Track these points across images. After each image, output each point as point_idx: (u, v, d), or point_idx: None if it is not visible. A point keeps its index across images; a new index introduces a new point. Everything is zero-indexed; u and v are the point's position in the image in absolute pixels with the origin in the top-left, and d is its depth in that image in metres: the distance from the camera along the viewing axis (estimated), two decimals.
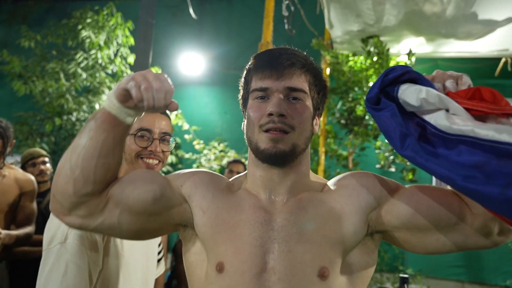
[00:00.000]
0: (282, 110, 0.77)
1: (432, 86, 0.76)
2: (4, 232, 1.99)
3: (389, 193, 0.82)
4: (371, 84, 4.28)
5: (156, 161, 1.21)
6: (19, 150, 4.42)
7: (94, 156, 0.75)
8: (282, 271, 0.73)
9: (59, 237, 1.07)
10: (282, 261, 0.74)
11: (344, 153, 4.49)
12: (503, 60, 4.75)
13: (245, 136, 0.86)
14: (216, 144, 5.44)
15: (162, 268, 1.59)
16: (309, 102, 0.81)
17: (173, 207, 0.82)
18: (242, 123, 0.90)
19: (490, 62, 4.97)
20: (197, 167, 5.30)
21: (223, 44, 5.92)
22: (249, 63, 0.91)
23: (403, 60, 4.35)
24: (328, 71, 4.80)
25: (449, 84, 0.74)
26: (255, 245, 0.76)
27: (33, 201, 2.26)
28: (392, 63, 4.36)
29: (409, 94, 0.75)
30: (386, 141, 3.75)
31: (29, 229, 2.20)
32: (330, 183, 0.87)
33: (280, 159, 0.79)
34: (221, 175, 0.91)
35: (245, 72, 0.91)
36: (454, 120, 0.70)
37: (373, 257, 0.81)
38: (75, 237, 1.07)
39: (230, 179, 0.91)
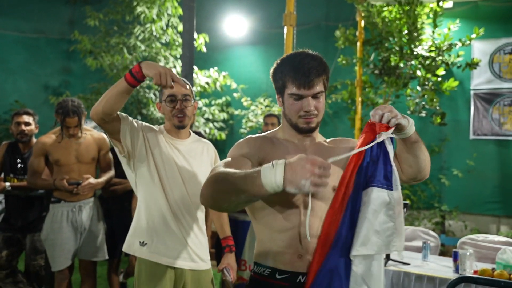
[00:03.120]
0: (312, 108, 1.25)
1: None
2: (95, 180, 2.71)
3: None
4: (405, 32, 4.46)
5: (181, 115, 1.85)
6: None
7: None
8: None
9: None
10: None
11: (381, 101, 4.80)
12: None
13: (284, 116, 1.33)
14: (262, 100, 5.96)
15: None
16: (323, 92, 1.29)
17: None
18: (278, 101, 1.36)
19: None
20: (246, 122, 5.89)
21: (263, 5, 6.24)
22: (281, 65, 1.30)
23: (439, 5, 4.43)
24: (362, 23, 5.03)
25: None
26: None
27: (109, 152, 2.94)
28: (424, 11, 4.48)
29: None
30: (417, 87, 4.12)
31: (111, 173, 2.91)
32: (329, 139, 1.44)
33: (310, 132, 1.32)
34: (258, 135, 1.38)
35: (277, 72, 1.30)
36: None
37: None
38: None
39: (266, 132, 1.42)
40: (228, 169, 1.12)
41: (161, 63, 5.34)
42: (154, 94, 5.36)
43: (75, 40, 5.45)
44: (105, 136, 2.95)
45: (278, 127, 1.41)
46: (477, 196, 5.12)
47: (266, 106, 5.85)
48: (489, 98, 5.27)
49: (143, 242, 1.81)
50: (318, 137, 1.40)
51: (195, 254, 1.87)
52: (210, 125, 5.74)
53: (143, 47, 5.24)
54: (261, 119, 5.72)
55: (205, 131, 5.52)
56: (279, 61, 1.32)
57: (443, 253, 4.40)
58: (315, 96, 1.28)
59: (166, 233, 1.82)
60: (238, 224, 2.62)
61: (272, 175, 0.99)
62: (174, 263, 1.82)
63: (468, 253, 2.24)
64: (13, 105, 6.15)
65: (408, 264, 2.54)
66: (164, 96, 1.87)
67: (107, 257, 2.80)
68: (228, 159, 1.28)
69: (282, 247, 1.25)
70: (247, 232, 2.79)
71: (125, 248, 1.87)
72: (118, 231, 3.08)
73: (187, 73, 2.76)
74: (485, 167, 5.08)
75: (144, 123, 1.89)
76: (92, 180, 2.68)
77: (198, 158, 1.93)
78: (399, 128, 1.23)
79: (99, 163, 2.88)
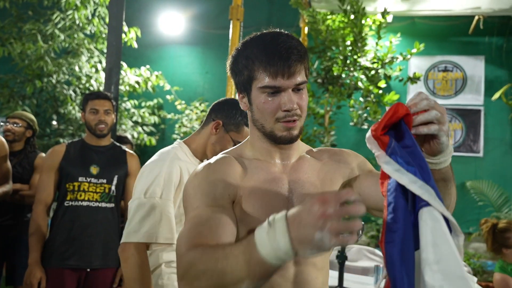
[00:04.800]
0: (295, 105, 0.90)
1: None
2: None
3: (364, 169, 1.02)
4: (348, 43, 4.36)
5: None
6: (2, 113, 4.48)
7: None
8: None
9: (154, 192, 1.38)
10: None
11: (321, 111, 4.64)
12: (476, 18, 4.85)
13: (253, 122, 0.96)
14: (197, 104, 5.55)
15: None
16: (306, 84, 0.93)
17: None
18: (241, 103, 0.99)
19: (464, 20, 5.07)
20: (179, 127, 5.42)
21: (203, 3, 5.87)
22: (245, 49, 0.93)
23: (379, 18, 4.41)
24: (306, 30, 4.86)
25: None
26: (280, 204, 0.92)
27: (7, 160, 2.35)
28: (368, 22, 4.43)
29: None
30: (360, 99, 3.91)
31: (8, 187, 2.34)
32: (316, 149, 1.06)
33: (292, 141, 0.95)
34: (224, 159, 0.96)
35: (240, 59, 0.93)
36: None
37: None
38: (168, 195, 1.38)
39: (228, 150, 1.01)
40: (203, 252, 0.73)
41: (84, 57, 4.71)
42: (74, 91, 4.70)
43: None
44: (3, 139, 2.35)
45: (243, 142, 1.03)
46: None
47: (202, 111, 5.44)
48: None
49: None
50: (301, 147, 1.03)
51: None
52: (139, 129, 5.18)
53: (62, 37, 4.57)
54: (196, 125, 5.29)
55: (132, 136, 4.95)
56: (240, 45, 0.95)
57: None
58: (296, 89, 0.91)
59: None
60: None
61: (272, 240, 0.64)
62: None
63: None
64: None
65: None
66: None
67: None
68: (193, 219, 0.83)
69: None
70: None
71: None
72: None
73: (113, 66, 2.29)
74: None
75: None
76: None
77: None
78: (433, 149, 0.80)
79: None
